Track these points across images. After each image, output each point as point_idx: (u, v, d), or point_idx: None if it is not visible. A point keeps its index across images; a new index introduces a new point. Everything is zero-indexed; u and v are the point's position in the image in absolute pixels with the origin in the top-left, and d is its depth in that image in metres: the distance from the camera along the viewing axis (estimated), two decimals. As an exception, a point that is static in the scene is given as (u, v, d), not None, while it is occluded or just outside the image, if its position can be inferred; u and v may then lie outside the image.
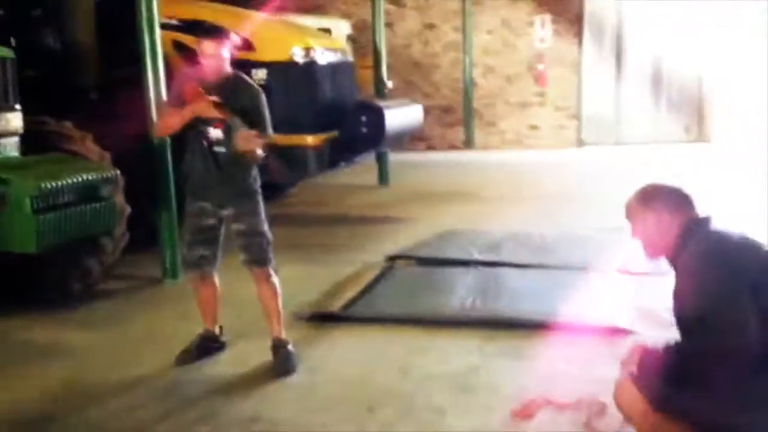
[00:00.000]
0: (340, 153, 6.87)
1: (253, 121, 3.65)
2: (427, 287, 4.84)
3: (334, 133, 6.84)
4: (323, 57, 6.97)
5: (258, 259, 3.77)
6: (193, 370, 3.79)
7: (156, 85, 5.37)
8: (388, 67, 9.48)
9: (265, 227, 3.79)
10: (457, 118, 12.42)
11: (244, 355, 3.92)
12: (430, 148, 12.30)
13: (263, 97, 3.76)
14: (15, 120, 4.32)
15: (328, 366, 3.78)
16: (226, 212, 3.76)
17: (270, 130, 3.76)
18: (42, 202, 3.92)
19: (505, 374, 3.53)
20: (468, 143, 12.43)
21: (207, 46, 3.65)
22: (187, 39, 6.29)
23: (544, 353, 3.72)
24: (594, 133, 11.81)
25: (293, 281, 5.24)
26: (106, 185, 4.33)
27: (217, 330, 4.02)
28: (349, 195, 8.83)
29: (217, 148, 3.68)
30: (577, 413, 3.05)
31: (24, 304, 4.64)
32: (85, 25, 6.60)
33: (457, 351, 3.85)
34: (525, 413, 3.09)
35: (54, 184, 3.98)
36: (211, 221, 3.77)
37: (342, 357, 3.89)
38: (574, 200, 7.91)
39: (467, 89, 12.18)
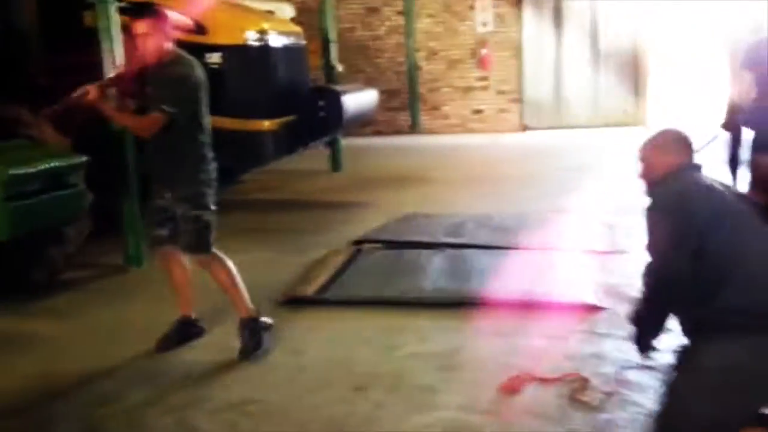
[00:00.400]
0: (298, 138, 6.86)
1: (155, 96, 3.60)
2: (397, 270, 4.92)
3: (292, 118, 6.82)
4: (277, 40, 6.93)
5: (189, 246, 3.73)
6: (174, 356, 3.78)
7: (115, 68, 5.24)
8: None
9: (204, 213, 3.69)
10: (403, 102, 12.50)
11: (225, 339, 3.91)
12: (377, 132, 12.35)
13: (179, 79, 3.62)
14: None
15: (310, 348, 3.82)
16: (168, 195, 3.72)
17: (165, 108, 3.55)
18: (13, 189, 3.80)
19: (487, 352, 3.65)
20: (414, 128, 12.54)
21: (138, 26, 3.59)
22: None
23: (521, 331, 3.85)
24: (536, 117, 12.09)
25: (260, 266, 5.26)
26: (75, 172, 4.23)
27: (194, 315, 4.00)
28: (304, 181, 8.82)
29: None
30: (562, 387, 3.19)
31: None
32: (27, 9, 6.37)
33: (436, 331, 3.95)
34: (512, 388, 3.21)
35: (25, 170, 3.87)
36: (163, 202, 3.75)
37: (323, 339, 3.94)
38: (523, 182, 8.12)
39: (411, 73, 12.27)
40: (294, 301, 4.49)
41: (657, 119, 11.28)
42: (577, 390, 3.16)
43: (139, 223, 5.31)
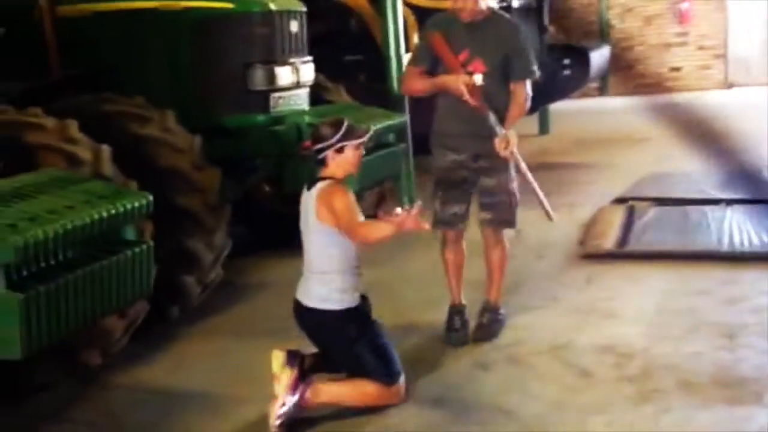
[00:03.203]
0: (538, 96, 6.86)
1: (513, 63, 3.40)
2: (691, 225, 4.85)
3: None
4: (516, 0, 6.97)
5: (504, 220, 3.54)
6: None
7: (396, 40, 5.42)
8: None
9: (515, 186, 3.51)
10: (592, 63, 12.19)
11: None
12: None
13: (522, 32, 3.49)
14: (309, 72, 4.46)
15: (648, 298, 3.85)
16: (479, 164, 3.47)
17: (534, 67, 3.45)
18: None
19: None
20: (603, 89, 12.20)
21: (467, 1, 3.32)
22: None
23: None
24: (743, 74, 11.44)
25: (528, 222, 5.36)
26: (395, 132, 4.46)
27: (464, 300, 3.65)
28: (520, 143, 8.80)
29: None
30: None
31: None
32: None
33: (773, 283, 3.89)
34: None
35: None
36: (464, 173, 3.51)
37: (654, 290, 3.95)
38: (748, 140, 7.73)
39: (603, 32, 11.92)
40: (594, 257, 4.54)
41: None
42: None
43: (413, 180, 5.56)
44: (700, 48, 11.68)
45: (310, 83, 4.51)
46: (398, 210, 2.78)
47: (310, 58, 4.49)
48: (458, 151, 3.49)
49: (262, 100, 4.21)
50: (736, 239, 4.48)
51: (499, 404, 2.93)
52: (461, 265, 3.63)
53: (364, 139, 2.95)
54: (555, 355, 3.31)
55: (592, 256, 4.55)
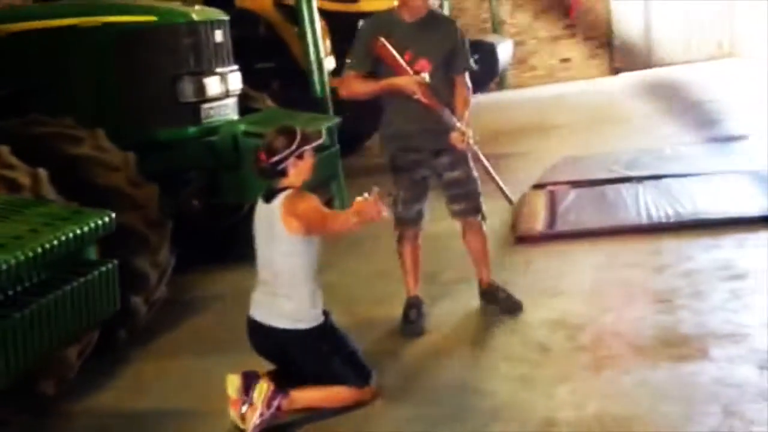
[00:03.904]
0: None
1: (455, 58, 3.50)
2: (608, 204, 5.15)
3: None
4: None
5: (476, 208, 3.64)
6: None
7: (316, 46, 5.46)
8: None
9: (476, 174, 3.61)
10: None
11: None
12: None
13: (460, 29, 3.59)
14: (236, 81, 4.43)
15: (584, 274, 4.07)
16: (440, 160, 3.54)
17: (471, 62, 3.59)
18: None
19: (763, 261, 3.87)
20: (500, 83, 12.66)
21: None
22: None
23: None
24: (627, 60, 12.16)
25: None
26: (331, 133, 4.50)
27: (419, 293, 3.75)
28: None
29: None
30: None
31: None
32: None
33: (695, 249, 4.18)
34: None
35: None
36: (425, 172, 3.59)
37: (587, 266, 4.19)
38: (648, 120, 8.32)
39: (495, 28, 12.37)
40: (525, 240, 4.75)
41: (753, 52, 11.29)
42: None
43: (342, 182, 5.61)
44: (587, 38, 12.34)
45: (238, 92, 4.49)
46: (359, 198, 2.81)
47: (236, 67, 4.47)
48: (418, 151, 3.53)
49: (192, 111, 4.17)
50: (653, 212, 4.80)
51: (469, 384, 3.06)
52: (418, 260, 3.75)
53: (320, 141, 3.00)
54: (512, 335, 3.47)
55: (525, 238, 4.77)
